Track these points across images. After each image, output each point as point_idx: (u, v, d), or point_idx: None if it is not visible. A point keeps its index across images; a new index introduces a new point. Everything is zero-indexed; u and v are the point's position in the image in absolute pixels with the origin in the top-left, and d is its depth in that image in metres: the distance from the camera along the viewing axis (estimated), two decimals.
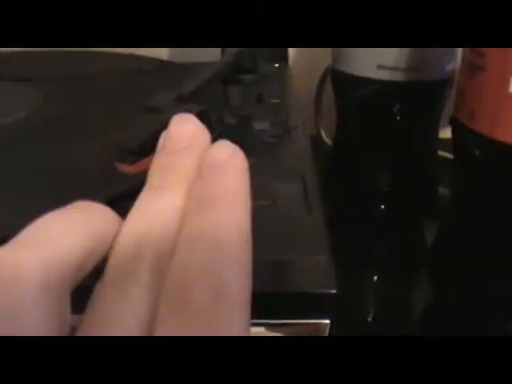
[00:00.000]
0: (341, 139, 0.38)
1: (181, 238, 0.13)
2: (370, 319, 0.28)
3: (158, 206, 0.14)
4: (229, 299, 0.12)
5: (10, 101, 0.31)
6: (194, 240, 0.13)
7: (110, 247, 0.14)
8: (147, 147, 0.17)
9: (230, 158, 0.15)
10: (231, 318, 0.12)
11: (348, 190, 0.37)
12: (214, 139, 0.16)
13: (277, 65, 0.42)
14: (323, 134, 0.45)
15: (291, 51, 0.45)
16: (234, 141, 0.24)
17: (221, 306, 0.12)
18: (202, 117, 0.20)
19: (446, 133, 0.31)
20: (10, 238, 0.12)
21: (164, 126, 0.16)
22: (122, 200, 0.16)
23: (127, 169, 0.18)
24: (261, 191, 0.21)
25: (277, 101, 0.32)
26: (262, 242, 0.18)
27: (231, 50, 0.35)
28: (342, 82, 0.36)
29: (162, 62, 0.40)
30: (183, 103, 0.22)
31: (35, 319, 0.11)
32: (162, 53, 0.45)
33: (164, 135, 0.16)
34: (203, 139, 0.16)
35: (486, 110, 0.24)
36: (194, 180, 0.15)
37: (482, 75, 0.24)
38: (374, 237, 0.34)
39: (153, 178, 0.15)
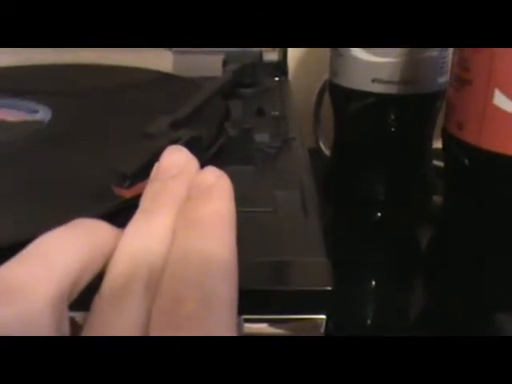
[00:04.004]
0: (338, 150, 0.39)
1: (171, 255, 0.14)
2: (366, 322, 0.29)
3: (151, 226, 0.15)
4: (217, 307, 0.13)
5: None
6: (184, 256, 0.14)
7: (108, 262, 0.14)
8: (142, 173, 0.18)
9: (217, 181, 0.16)
10: (220, 324, 0.13)
11: (346, 197, 0.38)
12: (207, 160, 0.17)
13: (277, 79, 0.43)
14: (322, 145, 0.46)
15: (291, 65, 0.46)
16: (236, 152, 0.26)
17: (210, 314, 0.13)
18: (193, 143, 0.22)
19: (439, 143, 0.32)
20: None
21: (157, 152, 0.17)
22: (118, 215, 0.17)
23: (123, 192, 0.19)
24: (262, 199, 0.22)
25: (277, 113, 0.33)
26: (264, 245, 0.19)
27: (232, 66, 0.37)
28: (339, 95, 0.37)
29: (165, 74, 0.41)
30: (177, 129, 0.24)
31: (43, 332, 0.12)
32: (166, 67, 0.46)
33: (157, 165, 0.17)
34: (192, 167, 0.17)
35: (473, 121, 0.25)
36: (183, 202, 0.16)
37: (468, 88, 0.25)
38: (371, 243, 0.35)
39: (145, 202, 0.16)
